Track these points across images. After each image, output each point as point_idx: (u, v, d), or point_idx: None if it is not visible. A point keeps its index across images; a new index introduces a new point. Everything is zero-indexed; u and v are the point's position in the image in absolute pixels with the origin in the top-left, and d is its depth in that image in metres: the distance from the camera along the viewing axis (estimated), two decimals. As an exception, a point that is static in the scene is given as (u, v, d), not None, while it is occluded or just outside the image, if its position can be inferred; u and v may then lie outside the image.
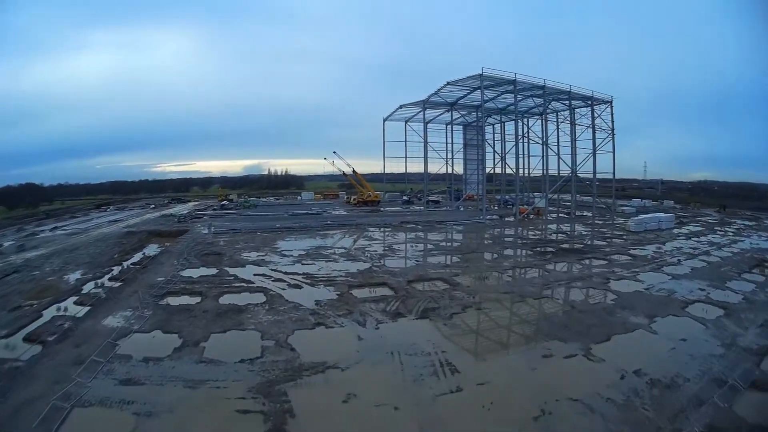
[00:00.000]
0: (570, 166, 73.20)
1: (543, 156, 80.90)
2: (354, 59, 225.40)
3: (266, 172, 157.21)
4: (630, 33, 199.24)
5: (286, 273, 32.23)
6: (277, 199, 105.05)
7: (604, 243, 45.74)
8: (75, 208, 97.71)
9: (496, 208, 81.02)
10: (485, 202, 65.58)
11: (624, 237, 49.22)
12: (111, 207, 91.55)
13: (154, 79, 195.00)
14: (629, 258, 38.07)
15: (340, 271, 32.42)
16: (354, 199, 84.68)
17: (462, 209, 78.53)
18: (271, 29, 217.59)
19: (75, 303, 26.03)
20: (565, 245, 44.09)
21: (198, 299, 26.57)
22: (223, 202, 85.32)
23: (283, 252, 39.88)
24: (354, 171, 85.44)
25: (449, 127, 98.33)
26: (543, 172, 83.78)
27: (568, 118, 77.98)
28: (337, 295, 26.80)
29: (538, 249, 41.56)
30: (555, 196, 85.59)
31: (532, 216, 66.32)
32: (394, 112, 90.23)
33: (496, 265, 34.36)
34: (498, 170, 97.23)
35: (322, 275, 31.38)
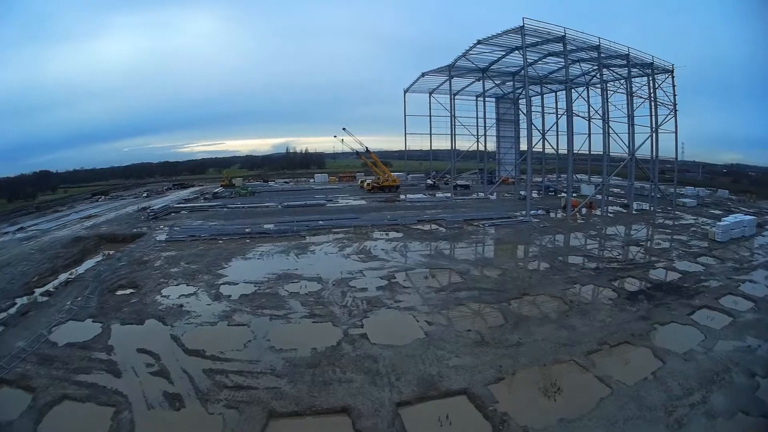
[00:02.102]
0: (627, 146, 54.18)
1: (593, 134, 62.58)
2: (386, 36, 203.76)
3: (291, 151, 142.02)
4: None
5: (186, 352, 17.17)
6: (287, 183, 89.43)
7: (700, 267, 28.63)
8: (74, 197, 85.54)
9: (536, 196, 63.26)
10: (530, 192, 47.71)
11: (714, 253, 32.12)
12: (102, 197, 78.27)
13: (183, 61, 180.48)
14: (752, 306, 21.81)
15: (280, 352, 16.76)
16: (368, 184, 68.15)
17: (494, 196, 61.31)
18: (304, 6, 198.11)
19: None
20: (655, 275, 27.05)
21: (20, 409, 14.04)
22: (216, 190, 70.43)
23: (222, 286, 24.74)
24: (367, 150, 68.61)
25: (479, 99, 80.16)
26: (598, 153, 66.28)
27: (622, 89, 58.76)
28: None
29: (621, 286, 24.70)
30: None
31: (584, 210, 48.65)
32: (416, 81, 72.71)
33: (569, 339, 17.58)
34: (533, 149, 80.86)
35: (242, 365, 15.96)
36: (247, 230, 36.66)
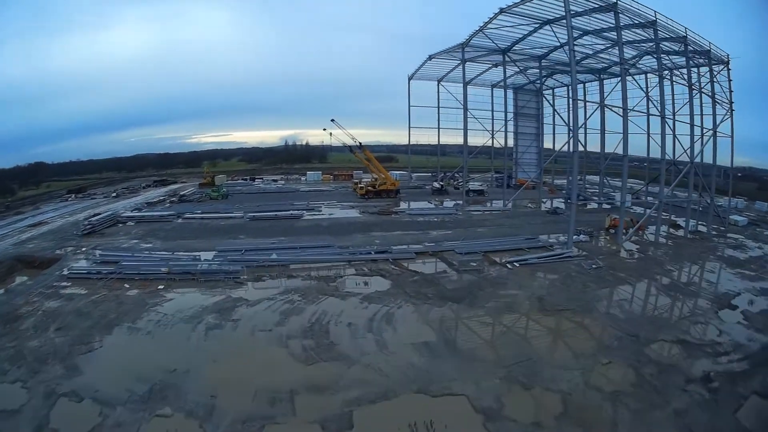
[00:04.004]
0: (682, 149, 40.60)
1: (631, 133, 48.85)
2: (396, 30, 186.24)
3: (290, 144, 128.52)
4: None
5: None
6: (275, 181, 76.55)
7: None
8: (52, 193, 74.78)
9: (561, 205, 50.03)
10: (574, 212, 33.30)
11: None
12: (73, 196, 66.71)
13: (193, 51, 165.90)
14: None
15: None
16: (361, 188, 55.06)
17: (509, 204, 48.01)
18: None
19: None
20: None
21: None
22: (185, 192, 57.70)
23: (60, 402, 13.49)
24: (361, 146, 55.39)
25: (495, 89, 66.70)
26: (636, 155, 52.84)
27: (668, 78, 44.83)
28: None
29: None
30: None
31: (630, 231, 35.43)
32: (422, 66, 59.39)
33: None
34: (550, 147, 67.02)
35: None
36: (163, 270, 24.23)
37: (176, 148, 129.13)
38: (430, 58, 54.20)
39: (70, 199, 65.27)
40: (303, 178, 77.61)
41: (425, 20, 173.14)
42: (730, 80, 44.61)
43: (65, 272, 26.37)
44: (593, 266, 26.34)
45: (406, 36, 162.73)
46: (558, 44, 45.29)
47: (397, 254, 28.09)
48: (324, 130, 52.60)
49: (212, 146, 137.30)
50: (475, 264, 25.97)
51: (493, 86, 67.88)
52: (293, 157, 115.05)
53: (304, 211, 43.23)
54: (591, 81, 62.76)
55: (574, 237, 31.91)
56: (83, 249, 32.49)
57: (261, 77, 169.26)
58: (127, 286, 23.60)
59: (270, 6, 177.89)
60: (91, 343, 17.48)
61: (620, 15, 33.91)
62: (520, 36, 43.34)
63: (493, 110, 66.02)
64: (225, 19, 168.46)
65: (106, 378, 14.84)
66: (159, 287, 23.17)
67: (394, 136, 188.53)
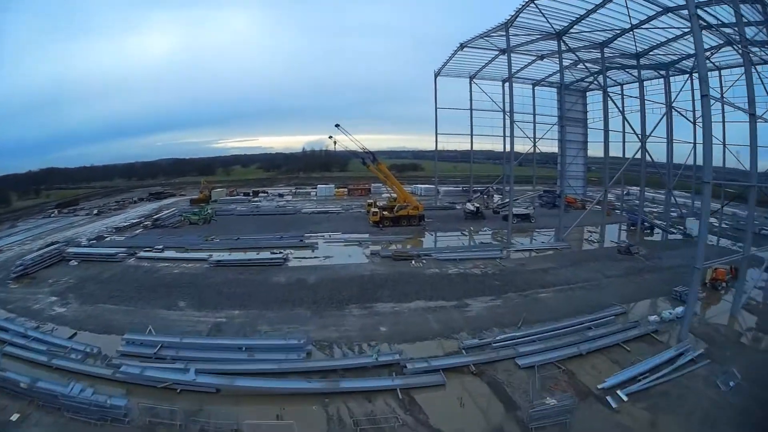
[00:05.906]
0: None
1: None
2: (440, 38, 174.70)
3: (309, 150, 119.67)
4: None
5: None
6: (280, 196, 66.45)
7: None
8: (45, 204, 69.40)
9: (624, 234, 38.70)
10: (693, 300, 19.44)
11: None
12: (56, 211, 59.85)
13: (223, 56, 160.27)
14: None
15: None
16: (374, 213, 44.19)
17: (561, 238, 36.59)
18: (344, 2, 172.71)
19: None
20: None
21: None
22: (161, 215, 48.33)
23: None
24: (374, 158, 44.94)
25: (537, 88, 55.47)
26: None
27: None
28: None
29: None
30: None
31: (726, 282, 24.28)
32: (452, 58, 47.99)
33: None
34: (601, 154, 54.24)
35: None
36: (22, 385, 14.83)
37: (200, 153, 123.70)
38: (462, 46, 43.23)
39: (53, 215, 58.48)
40: (313, 192, 67.71)
41: (458, 24, 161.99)
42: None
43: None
44: (731, 383, 15.36)
45: (437, 39, 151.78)
46: (628, 26, 34.09)
47: (412, 377, 16.05)
48: (330, 138, 43.31)
49: (236, 152, 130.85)
50: (555, 401, 13.82)
51: (534, 85, 56.72)
52: (313, 165, 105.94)
53: (291, 252, 32.75)
54: (651, 78, 50.41)
55: (674, 310, 20.97)
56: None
57: (290, 81, 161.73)
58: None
59: (299, 10, 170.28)
60: None
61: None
62: (583, 12, 32.13)
63: (534, 113, 55.51)
64: (253, 23, 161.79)
65: None
66: (12, 418, 13.88)
67: (420, 141, 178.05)
